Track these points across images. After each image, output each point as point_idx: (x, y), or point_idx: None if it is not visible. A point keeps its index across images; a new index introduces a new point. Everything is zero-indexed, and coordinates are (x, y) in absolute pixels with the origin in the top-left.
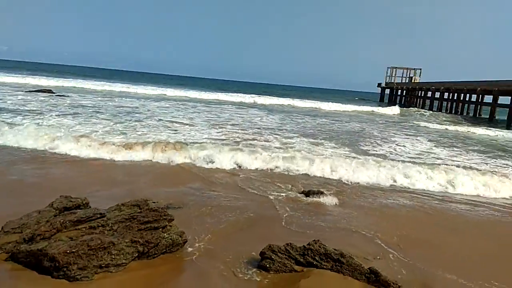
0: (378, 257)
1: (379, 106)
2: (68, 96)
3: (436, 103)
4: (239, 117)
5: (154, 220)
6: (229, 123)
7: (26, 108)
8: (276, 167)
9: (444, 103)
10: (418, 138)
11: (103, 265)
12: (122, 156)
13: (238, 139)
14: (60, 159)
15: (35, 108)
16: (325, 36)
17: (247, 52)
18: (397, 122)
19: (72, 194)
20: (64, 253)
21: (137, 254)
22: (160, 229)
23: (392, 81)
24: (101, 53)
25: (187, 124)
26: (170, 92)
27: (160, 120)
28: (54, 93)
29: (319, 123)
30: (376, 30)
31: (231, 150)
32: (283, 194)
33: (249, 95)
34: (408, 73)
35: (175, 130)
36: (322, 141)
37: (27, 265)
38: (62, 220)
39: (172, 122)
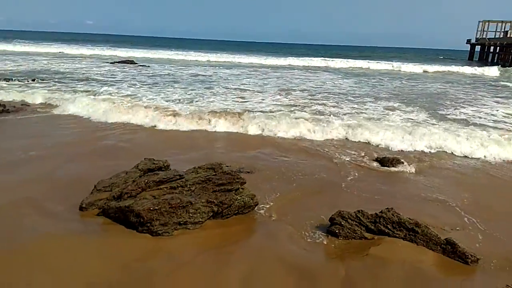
0: (457, 228)
1: (468, 65)
2: (148, 66)
3: None
4: (310, 82)
5: (228, 183)
6: (299, 88)
7: (112, 79)
8: (345, 135)
9: None
10: (510, 100)
11: (182, 222)
12: (195, 125)
13: (309, 105)
14: (140, 128)
15: (119, 78)
16: None
17: (315, 13)
18: (486, 83)
19: (154, 157)
20: (148, 210)
21: (212, 214)
22: (233, 192)
23: (484, 36)
24: (170, 23)
25: (257, 91)
26: (240, 59)
27: (231, 88)
28: (136, 63)
29: (397, 86)
30: None
31: (299, 117)
32: (355, 161)
33: (321, 59)
34: (503, 27)
35: (244, 98)
36: (398, 104)
37: (116, 219)
38: (146, 180)
39: (243, 90)
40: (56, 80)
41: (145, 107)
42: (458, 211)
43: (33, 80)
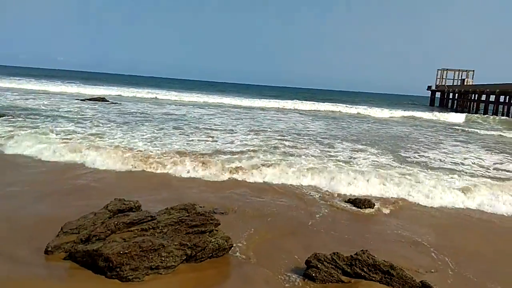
0: (431, 271)
1: (430, 111)
2: (120, 104)
3: (491, 106)
4: (282, 123)
5: (202, 224)
6: (270, 129)
7: (80, 116)
8: (315, 177)
9: (500, 107)
10: (468, 145)
11: (153, 267)
12: (166, 166)
13: (278, 146)
14: (108, 169)
15: (89, 116)
16: (369, 35)
17: (276, 56)
18: (448, 127)
19: (125, 197)
20: (118, 254)
21: (185, 257)
22: (207, 233)
23: (443, 83)
24: (143, 61)
25: (228, 131)
26: (212, 99)
27: (203, 128)
28: (107, 101)
29: (365, 128)
30: (427, 27)
31: (269, 160)
32: (327, 202)
33: (291, 101)
34: (460, 75)
35: (215, 138)
36: (365, 147)
37: (84, 264)
38: (116, 222)
39: (215, 130)
40: (22, 116)
41: (115, 147)
42: (431, 253)
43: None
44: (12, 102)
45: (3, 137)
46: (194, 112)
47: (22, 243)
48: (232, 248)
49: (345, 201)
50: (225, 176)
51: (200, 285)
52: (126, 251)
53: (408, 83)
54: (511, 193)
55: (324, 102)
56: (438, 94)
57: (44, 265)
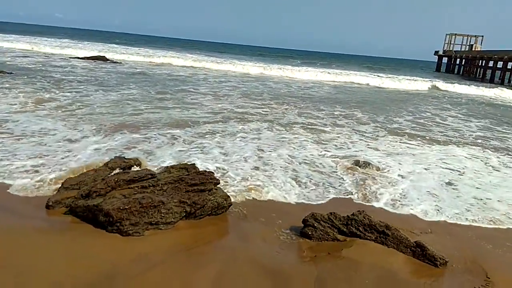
0: (427, 232)
1: (437, 78)
2: (121, 63)
3: (498, 73)
4: (286, 89)
5: (201, 183)
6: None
7: (70, 78)
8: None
9: (508, 74)
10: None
11: (153, 222)
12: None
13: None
14: None
15: (82, 77)
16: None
17: (279, 19)
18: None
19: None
20: (118, 209)
21: (184, 214)
22: (206, 192)
23: (451, 49)
24: (150, 21)
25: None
26: (224, 66)
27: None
28: (108, 60)
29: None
30: None
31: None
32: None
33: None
34: (469, 40)
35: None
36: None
37: (84, 219)
38: (116, 179)
39: (208, 94)
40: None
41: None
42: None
43: None
44: (8, 60)
45: None
46: (198, 74)
47: (24, 197)
48: (231, 206)
49: (347, 163)
50: None
51: (199, 241)
52: (126, 207)
53: (412, 48)
54: None
55: (324, 68)
56: (445, 60)
57: (46, 218)
